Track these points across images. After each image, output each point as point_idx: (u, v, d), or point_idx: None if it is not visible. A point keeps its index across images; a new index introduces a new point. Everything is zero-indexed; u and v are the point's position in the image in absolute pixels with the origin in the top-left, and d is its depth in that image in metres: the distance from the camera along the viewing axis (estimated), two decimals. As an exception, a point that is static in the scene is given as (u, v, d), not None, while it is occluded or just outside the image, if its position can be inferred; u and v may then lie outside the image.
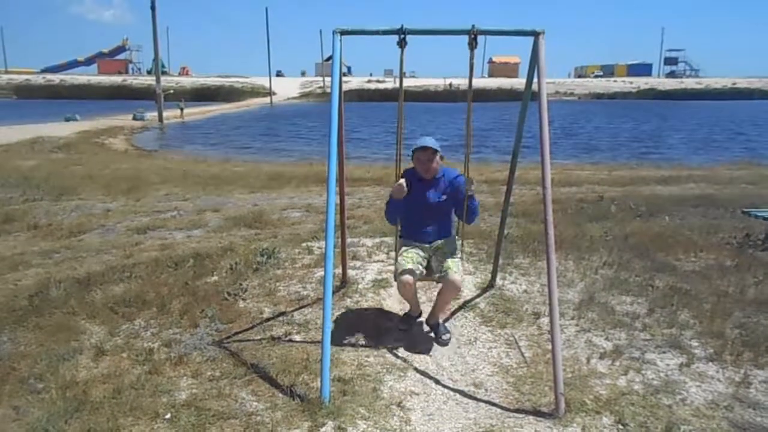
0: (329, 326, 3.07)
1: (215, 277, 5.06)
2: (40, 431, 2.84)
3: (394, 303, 4.51)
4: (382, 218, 7.54)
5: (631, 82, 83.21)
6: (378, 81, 79.75)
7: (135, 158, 17.30)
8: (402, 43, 3.40)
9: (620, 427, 2.84)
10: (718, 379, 3.34)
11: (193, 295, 4.60)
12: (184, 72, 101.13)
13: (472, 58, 3.45)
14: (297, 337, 3.90)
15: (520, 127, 3.99)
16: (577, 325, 4.09)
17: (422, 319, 4.12)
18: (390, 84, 75.26)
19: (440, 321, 4.02)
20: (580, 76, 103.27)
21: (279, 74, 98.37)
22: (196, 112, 42.18)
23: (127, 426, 2.88)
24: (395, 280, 3.74)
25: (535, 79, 3.43)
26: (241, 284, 4.82)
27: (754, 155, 17.63)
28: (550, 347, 3.76)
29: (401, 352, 3.76)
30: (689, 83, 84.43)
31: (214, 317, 4.19)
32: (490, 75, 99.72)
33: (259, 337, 3.88)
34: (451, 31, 3.45)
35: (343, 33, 3.38)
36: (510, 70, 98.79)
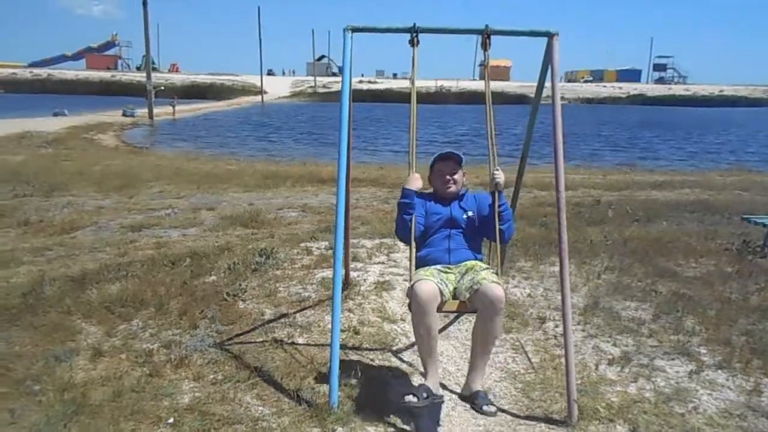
0: (338, 330, 2.99)
1: (213, 277, 4.96)
2: (38, 435, 2.74)
3: (396, 306, 4.45)
4: (380, 219, 7.52)
5: (620, 88, 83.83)
6: (370, 81, 79.69)
7: (126, 155, 17.08)
8: (414, 42, 3.33)
9: (635, 436, 2.80)
10: (729, 387, 3.31)
11: (191, 295, 4.51)
12: (173, 69, 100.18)
13: (486, 58, 3.40)
14: (300, 340, 3.82)
15: (530, 129, 3.95)
16: (583, 330, 4.05)
17: (442, 394, 3.00)
18: (382, 85, 75.27)
19: (480, 388, 3.06)
20: (570, 81, 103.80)
21: (270, 73, 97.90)
22: (186, 110, 41.81)
23: (129, 430, 2.79)
24: (410, 309, 2.89)
25: (548, 83, 3.39)
26: (240, 285, 4.72)
27: (742, 162, 17.77)
28: (556, 352, 3.74)
29: (406, 355, 3.69)
30: (677, 90, 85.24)
31: (214, 318, 4.10)
32: (481, 78, 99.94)
33: (261, 339, 3.80)
34: (464, 30, 3.40)
35: (354, 30, 3.31)
36: (501, 74, 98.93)
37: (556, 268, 5.38)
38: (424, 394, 2.75)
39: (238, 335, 3.87)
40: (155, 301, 4.35)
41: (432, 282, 2.87)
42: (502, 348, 3.83)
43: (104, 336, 3.85)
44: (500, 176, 3.19)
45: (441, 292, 2.88)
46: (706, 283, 5.03)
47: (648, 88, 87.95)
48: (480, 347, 3.01)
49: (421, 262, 3.15)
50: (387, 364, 3.56)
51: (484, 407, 2.94)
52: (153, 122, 32.96)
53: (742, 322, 4.19)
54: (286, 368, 3.39)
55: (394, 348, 3.78)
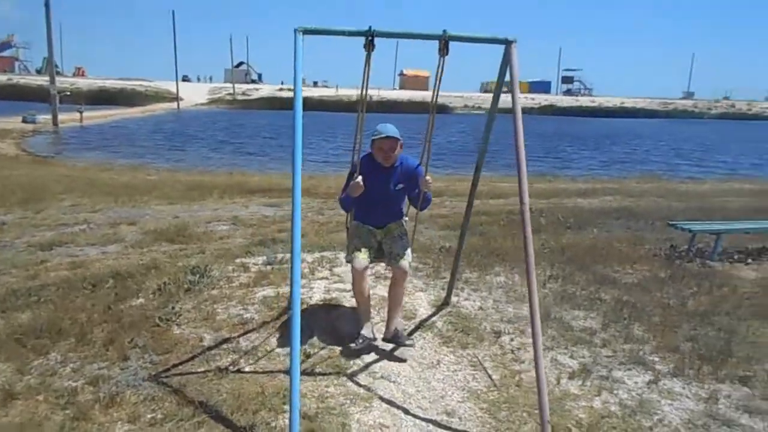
0: (298, 361, 2.73)
1: (141, 300, 4.52)
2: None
3: (345, 325, 4.21)
4: (317, 231, 7.25)
5: (533, 98, 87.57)
6: (290, 89, 78.64)
7: (29, 165, 15.71)
8: (369, 46, 3.15)
9: (610, 454, 2.73)
10: (687, 395, 3.34)
11: (117, 321, 4.06)
12: (79, 73, 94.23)
13: (442, 64, 3.28)
14: (246, 367, 3.50)
15: (486, 139, 3.86)
16: (539, 343, 3.98)
17: (376, 338, 3.89)
18: (303, 93, 74.36)
19: (398, 327, 3.89)
20: (486, 91, 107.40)
21: (185, 79, 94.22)
22: (96, 116, 39.31)
23: (54, 489, 2.39)
24: (347, 261, 3.90)
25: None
26: (173, 307, 4.32)
27: (652, 172, 18.88)
28: (516, 368, 3.66)
29: (362, 378, 3.47)
30: (584, 101, 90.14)
31: (147, 347, 3.69)
32: (401, 87, 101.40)
33: (202, 369, 3.45)
34: (422, 35, 3.24)
35: (306, 32, 3.07)
36: (420, 83, 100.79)
37: (502, 278, 5.38)
38: (360, 340, 3.75)
39: (175, 365, 3.49)
40: (75, 330, 3.88)
41: (365, 259, 3.75)
42: (461, 365, 3.70)
43: (16, 374, 3.36)
44: (431, 182, 3.82)
45: (370, 261, 3.82)
46: (645, 290, 5.16)
47: (557, 99, 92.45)
48: (393, 304, 3.85)
49: (358, 217, 3.99)
50: (343, 390, 3.31)
51: (406, 341, 3.84)
52: (58, 129, 30.71)
53: (685, 328, 4.31)
54: (234, 401, 3.07)
55: (349, 371, 3.54)
